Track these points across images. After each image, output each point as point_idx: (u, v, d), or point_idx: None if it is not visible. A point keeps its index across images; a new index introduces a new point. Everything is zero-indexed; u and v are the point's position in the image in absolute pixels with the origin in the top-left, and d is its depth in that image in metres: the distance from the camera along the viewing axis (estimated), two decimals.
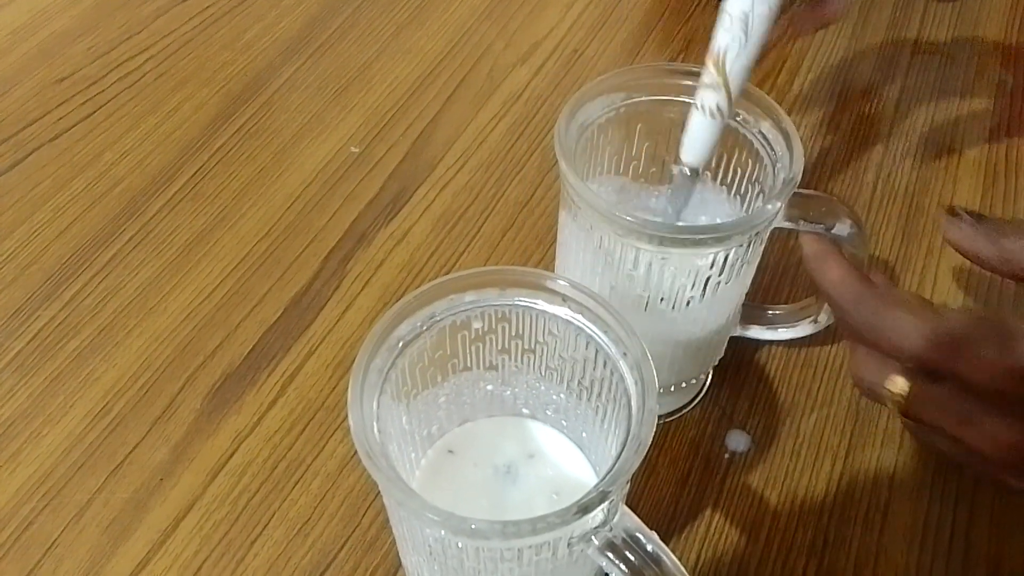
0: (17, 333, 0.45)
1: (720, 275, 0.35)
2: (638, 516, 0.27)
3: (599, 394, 0.32)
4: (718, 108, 0.34)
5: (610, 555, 0.26)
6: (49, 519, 0.39)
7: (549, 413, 0.35)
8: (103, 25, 0.61)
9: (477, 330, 0.32)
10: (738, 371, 0.43)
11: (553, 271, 0.39)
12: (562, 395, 0.34)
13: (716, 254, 0.34)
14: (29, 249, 0.48)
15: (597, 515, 0.26)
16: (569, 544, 0.26)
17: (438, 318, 0.31)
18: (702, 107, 0.35)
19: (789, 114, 0.55)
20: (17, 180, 0.51)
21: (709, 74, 0.34)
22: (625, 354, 0.29)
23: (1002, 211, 0.50)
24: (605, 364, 0.30)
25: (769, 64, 0.58)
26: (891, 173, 0.51)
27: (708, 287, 0.35)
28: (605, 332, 0.29)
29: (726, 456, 0.40)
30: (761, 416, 0.42)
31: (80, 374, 0.43)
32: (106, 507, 0.39)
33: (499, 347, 0.33)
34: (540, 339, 0.32)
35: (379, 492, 0.37)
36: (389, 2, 0.62)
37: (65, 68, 0.58)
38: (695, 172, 0.36)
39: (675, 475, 0.40)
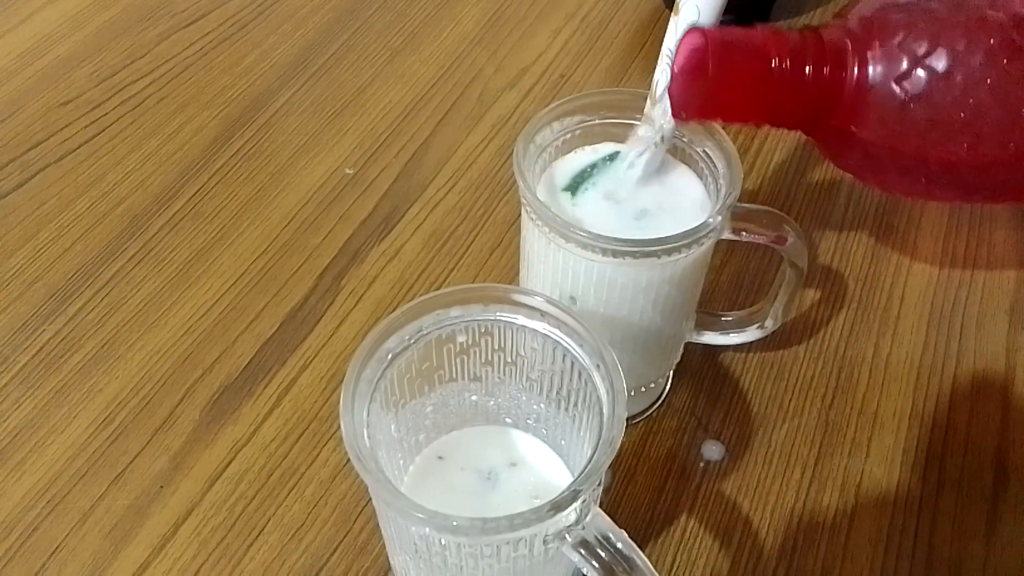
0: (23, 347, 0.46)
1: (669, 283, 0.37)
2: (617, 521, 0.29)
3: (575, 403, 0.33)
4: (644, 136, 0.36)
5: (583, 551, 0.28)
6: (53, 524, 0.40)
7: (530, 422, 0.36)
8: (106, 50, 0.62)
9: (462, 343, 0.33)
10: (703, 378, 0.45)
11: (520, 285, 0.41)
12: (542, 405, 0.35)
13: (665, 264, 0.36)
14: (34, 266, 0.50)
15: (570, 514, 0.28)
16: (545, 541, 0.28)
17: (425, 332, 0.32)
18: (636, 135, 0.37)
19: (766, 139, 0.57)
20: (23, 199, 0.53)
21: (646, 104, 0.36)
22: (598, 365, 0.30)
23: (968, 231, 0.52)
24: (580, 375, 0.32)
25: None
26: (862, 195, 0.53)
27: (659, 295, 0.37)
28: (580, 345, 0.31)
29: (701, 465, 0.42)
30: (735, 427, 0.43)
31: (83, 386, 0.45)
32: (108, 513, 0.40)
33: (483, 360, 0.34)
34: (521, 352, 0.34)
35: (370, 499, 0.39)
36: (383, 29, 0.64)
37: (69, 91, 0.59)
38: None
39: (653, 483, 0.41)
